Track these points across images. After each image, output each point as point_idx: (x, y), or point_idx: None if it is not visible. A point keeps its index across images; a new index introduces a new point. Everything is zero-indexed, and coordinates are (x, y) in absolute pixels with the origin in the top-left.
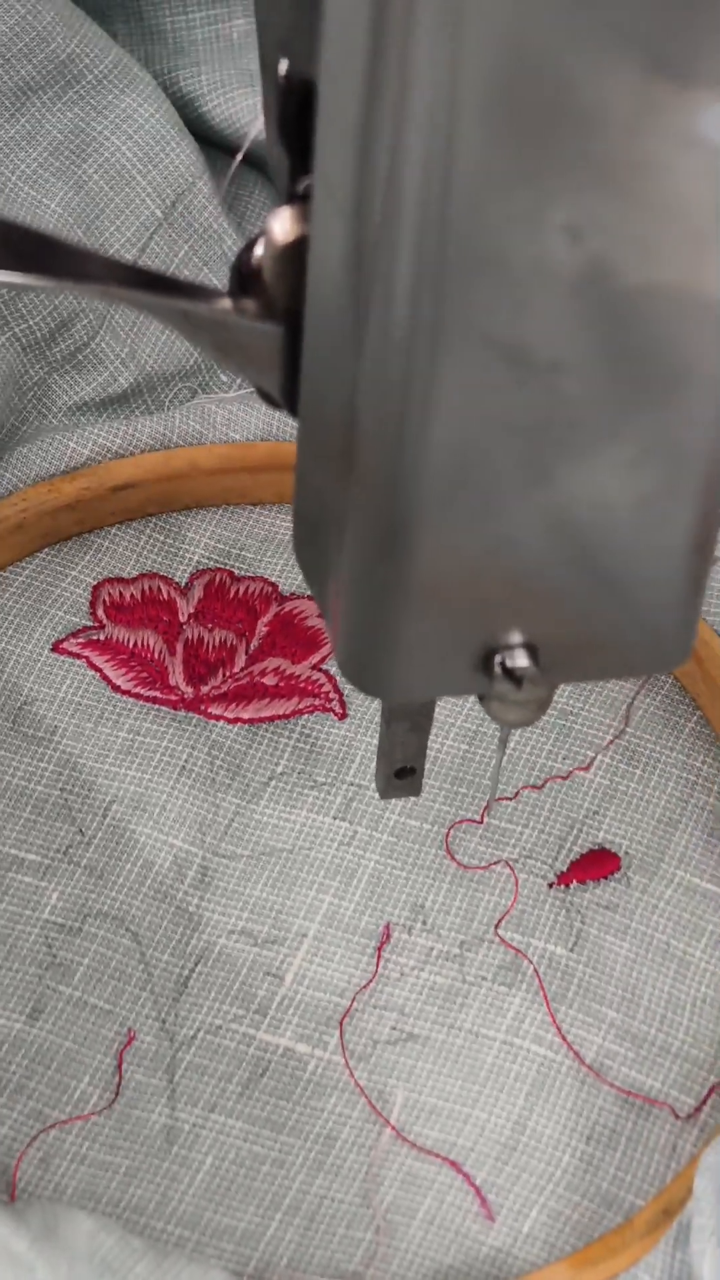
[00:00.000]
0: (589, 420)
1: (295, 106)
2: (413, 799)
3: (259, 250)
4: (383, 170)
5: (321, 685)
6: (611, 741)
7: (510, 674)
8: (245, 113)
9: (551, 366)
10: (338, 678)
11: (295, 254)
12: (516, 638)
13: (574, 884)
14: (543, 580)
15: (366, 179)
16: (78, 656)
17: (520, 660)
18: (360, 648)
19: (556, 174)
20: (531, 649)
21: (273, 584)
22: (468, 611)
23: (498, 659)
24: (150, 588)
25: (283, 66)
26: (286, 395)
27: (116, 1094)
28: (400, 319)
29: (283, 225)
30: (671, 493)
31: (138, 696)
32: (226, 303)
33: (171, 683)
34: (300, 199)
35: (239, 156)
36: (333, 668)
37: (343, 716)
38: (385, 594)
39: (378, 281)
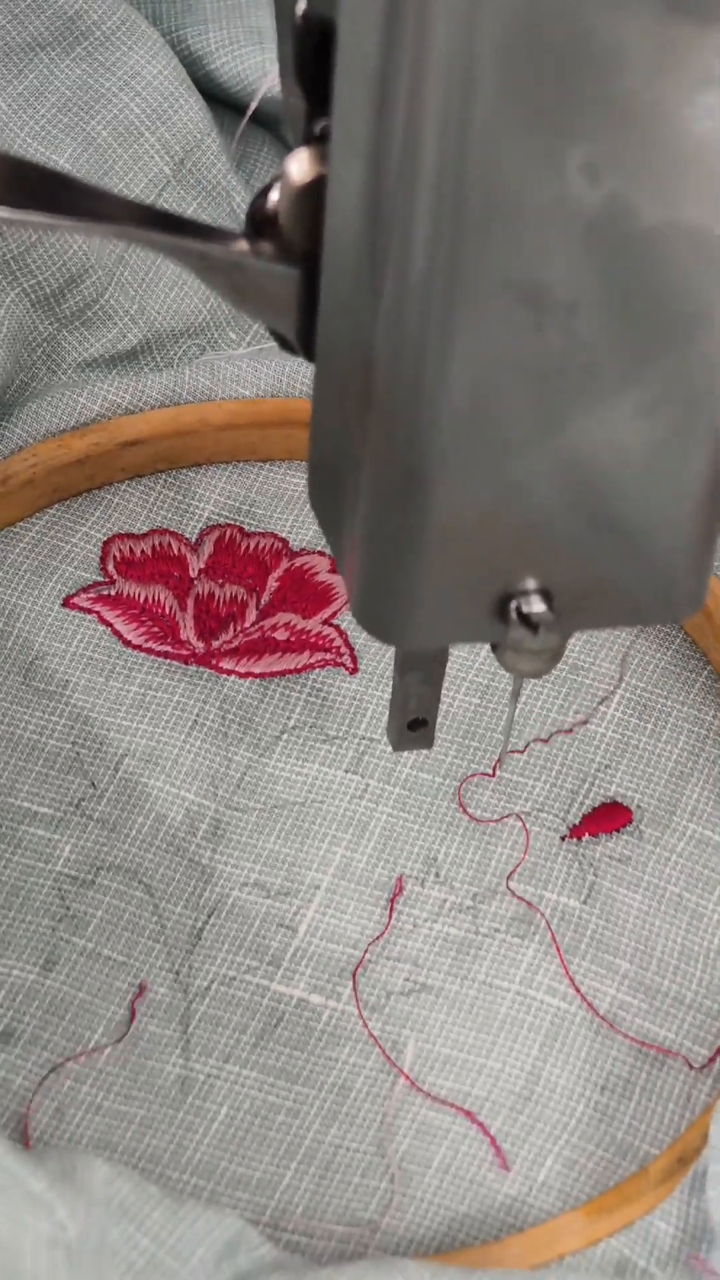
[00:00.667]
0: (605, 364)
1: (313, 47)
2: (424, 752)
3: (275, 193)
4: (401, 111)
5: (333, 640)
6: (612, 691)
7: (526, 620)
8: (253, 70)
9: (569, 308)
10: (349, 632)
11: (312, 195)
12: (532, 583)
13: (586, 837)
14: (557, 526)
15: (385, 120)
16: (88, 611)
17: (536, 606)
18: (376, 595)
19: (575, 114)
20: (547, 595)
21: (283, 539)
22: (483, 557)
23: (513, 605)
24: (161, 543)
25: (300, 5)
26: (303, 339)
27: (125, 1038)
28: (418, 261)
29: (300, 166)
30: (686, 438)
31: (149, 651)
32: (243, 244)
33: (183, 637)
34: (318, 140)
35: (249, 112)
36: (344, 622)
37: (354, 671)
38: (401, 540)
39: (396, 223)
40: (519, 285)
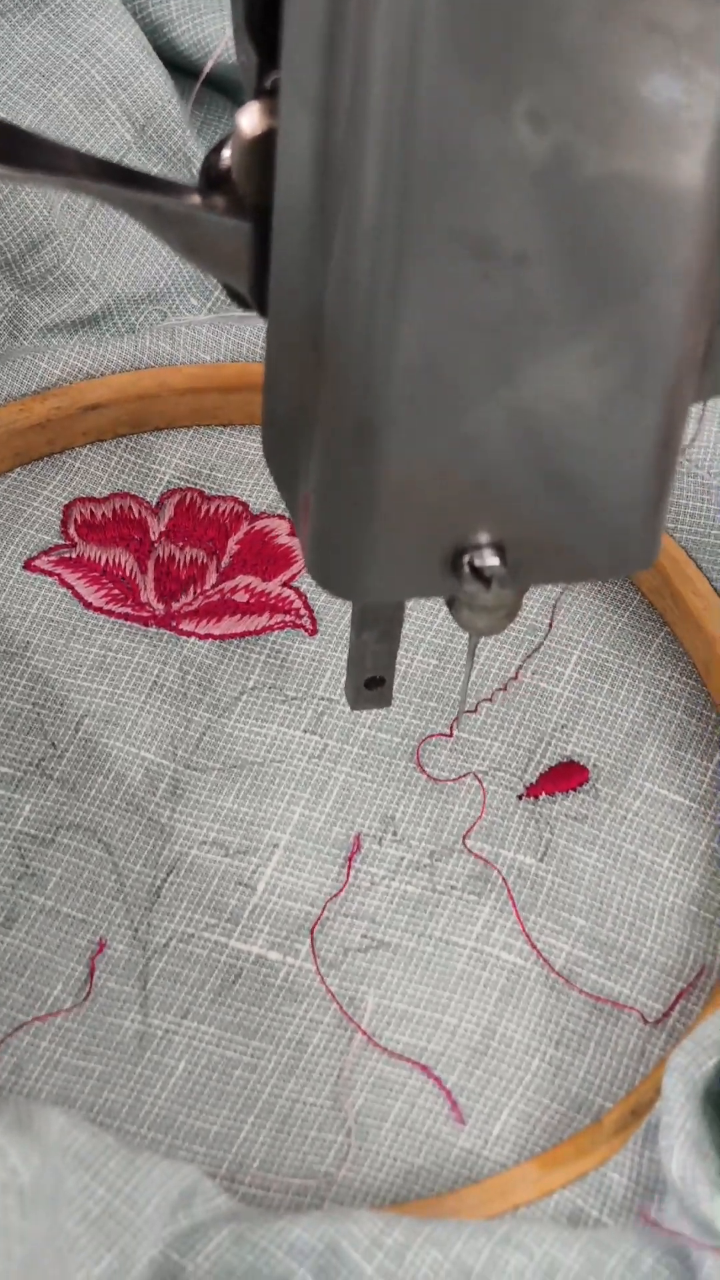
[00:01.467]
0: (554, 314)
1: (263, 1)
2: (382, 713)
3: (228, 149)
4: (349, 61)
5: (292, 602)
6: (541, 642)
7: (479, 574)
8: (214, 37)
9: (517, 259)
10: (309, 594)
11: (263, 148)
12: (484, 538)
13: (543, 796)
14: (509, 479)
15: (333, 71)
16: (49, 574)
17: (488, 560)
18: (330, 549)
19: (520, 61)
20: (499, 549)
21: (243, 503)
22: (436, 511)
23: (466, 559)
24: (122, 507)
25: None
26: (255, 294)
27: (87, 998)
28: (367, 212)
29: (250, 119)
30: (636, 390)
31: (109, 613)
32: (196, 198)
33: (143, 600)
34: (269, 94)
35: (204, 73)
36: (303, 584)
37: (313, 632)
38: (355, 494)
39: (345, 174)
40: (467, 236)
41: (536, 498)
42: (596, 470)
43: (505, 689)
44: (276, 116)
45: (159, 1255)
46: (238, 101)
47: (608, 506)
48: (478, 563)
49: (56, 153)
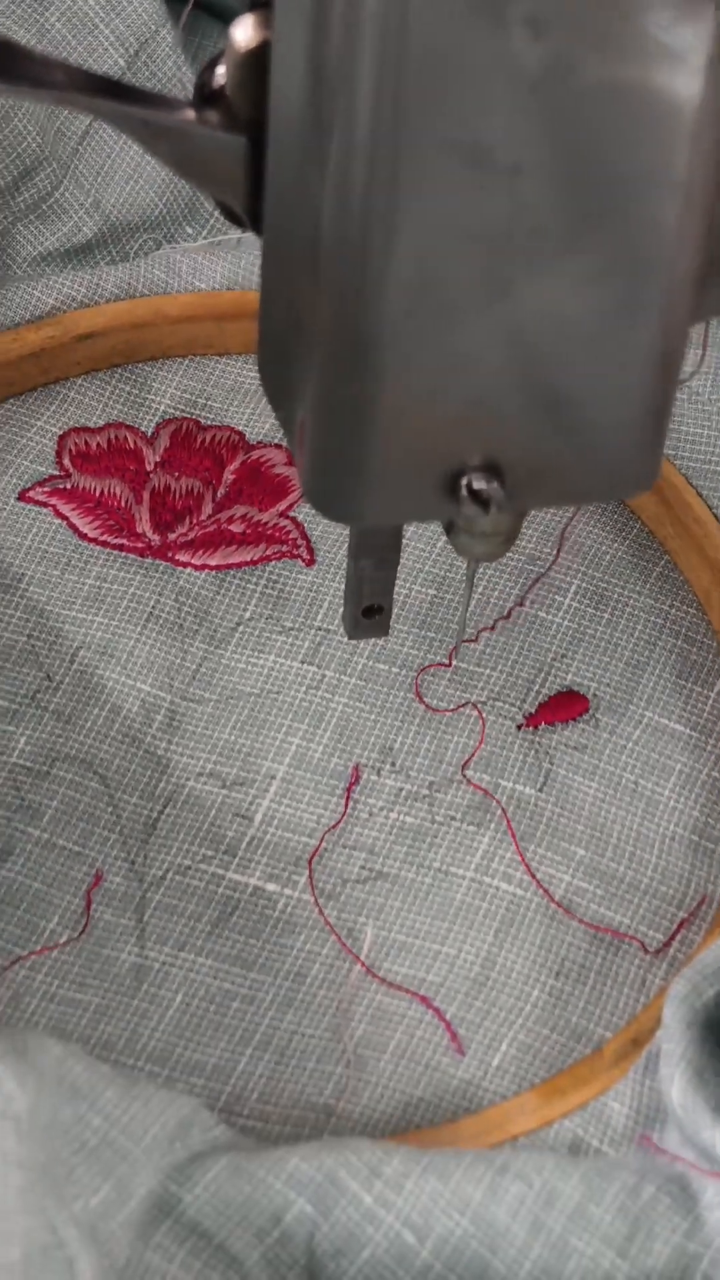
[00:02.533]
0: (550, 228)
1: None
2: (381, 643)
3: (222, 65)
4: None
5: (289, 532)
6: (546, 571)
7: (476, 496)
8: None
9: (513, 169)
10: (305, 524)
11: (257, 61)
12: (481, 459)
13: (542, 725)
14: (505, 399)
15: None
16: (44, 505)
17: (486, 483)
18: (327, 473)
19: None
20: (497, 471)
21: (240, 433)
22: (433, 432)
23: (464, 481)
24: (116, 437)
25: None
26: (250, 211)
27: (84, 930)
28: (362, 123)
29: (245, 32)
30: (633, 308)
31: (104, 544)
32: (190, 114)
33: (138, 530)
34: (263, 6)
35: None
36: (301, 514)
37: (310, 563)
38: (352, 415)
39: (339, 85)
40: (463, 147)
41: (533, 418)
42: (593, 389)
43: (508, 616)
44: (271, 29)
45: (157, 1186)
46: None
47: (605, 426)
48: (475, 485)
49: (47, 66)
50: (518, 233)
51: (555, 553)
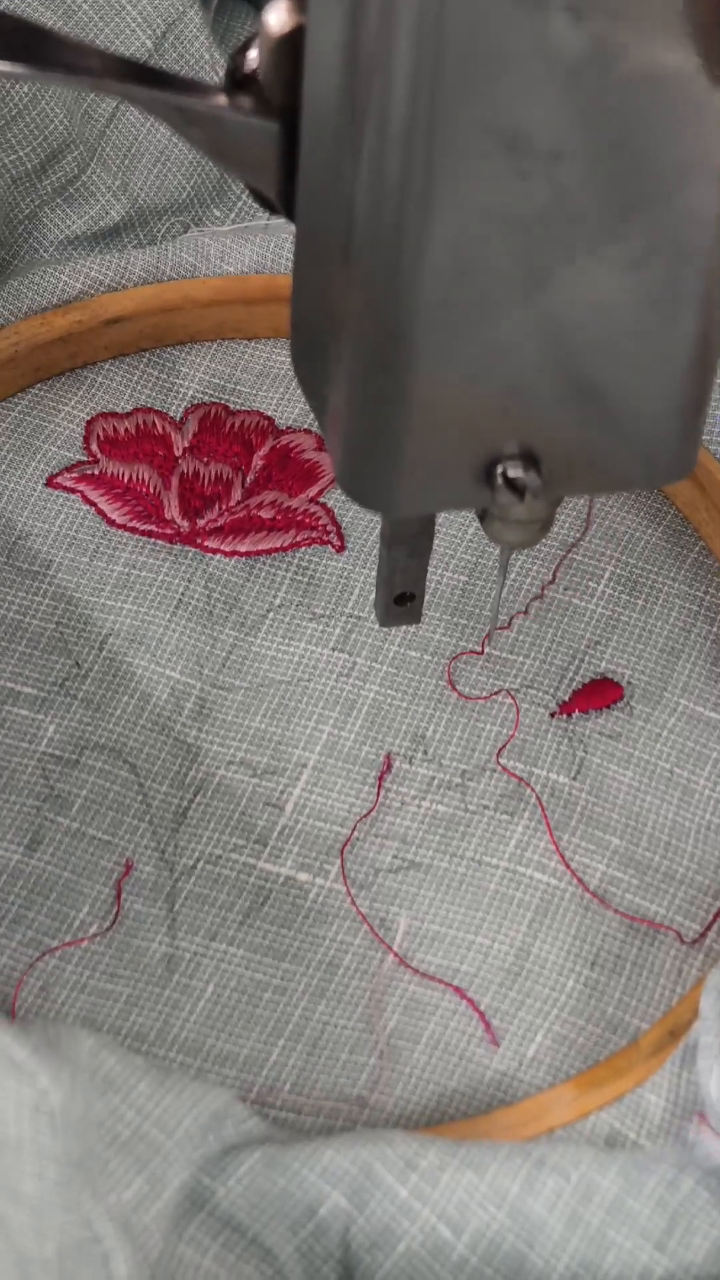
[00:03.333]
0: (589, 216)
1: None
2: (413, 630)
3: (254, 49)
4: None
5: (319, 518)
6: (577, 544)
7: (512, 484)
8: None
9: (552, 156)
10: (335, 510)
11: (291, 47)
12: (517, 448)
13: (576, 713)
14: (542, 387)
15: None
16: (72, 491)
17: (522, 471)
18: (361, 462)
19: None
20: (532, 460)
21: (269, 417)
22: (468, 420)
23: (499, 469)
24: (145, 422)
25: None
26: (283, 197)
27: (114, 921)
28: (398, 109)
29: (278, 16)
30: (673, 297)
31: (133, 530)
32: (222, 99)
33: (167, 516)
34: None
35: None
36: (331, 500)
37: (341, 549)
38: (386, 403)
39: (375, 70)
40: (501, 133)
41: (570, 407)
42: (631, 378)
43: (542, 595)
44: (304, 13)
45: (190, 1179)
46: (259, 8)
47: (642, 415)
48: (511, 474)
49: (80, 52)
50: (556, 221)
51: (585, 525)
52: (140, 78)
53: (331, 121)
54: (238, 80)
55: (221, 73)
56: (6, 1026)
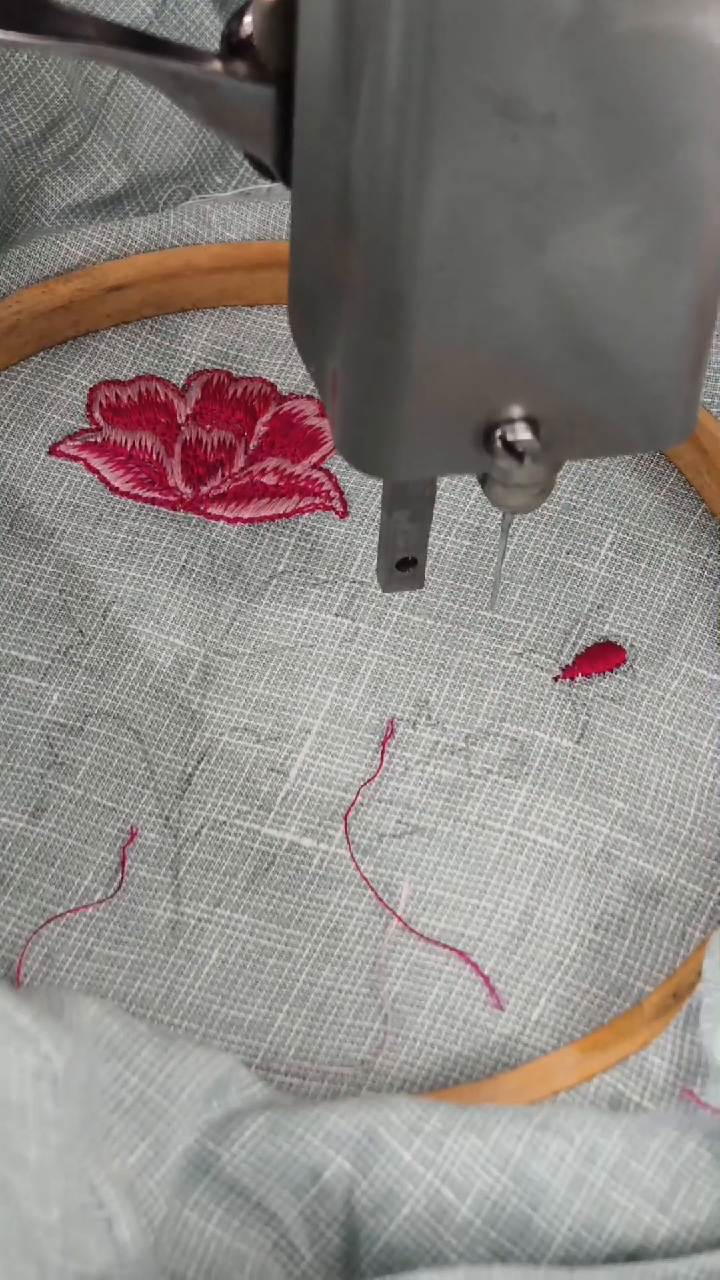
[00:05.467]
0: (586, 178)
1: None
2: (415, 595)
3: (249, 14)
4: None
5: (322, 484)
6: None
7: (511, 448)
8: None
9: (547, 119)
10: (339, 476)
11: (285, 11)
12: (516, 411)
13: (579, 677)
14: (541, 350)
15: None
16: (75, 459)
17: (521, 434)
18: (360, 426)
19: None
20: (532, 423)
21: (271, 384)
22: (467, 384)
23: (498, 433)
24: (147, 389)
25: None
26: (279, 163)
27: (119, 888)
28: (393, 73)
29: None
30: (670, 258)
31: (136, 498)
32: (218, 65)
33: (170, 483)
34: None
35: None
36: (333, 466)
37: (344, 515)
38: (384, 368)
39: (369, 34)
40: (495, 95)
41: (568, 369)
42: (629, 340)
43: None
44: None
45: (194, 1144)
46: None
47: (641, 377)
48: (510, 437)
49: (74, 19)
50: (552, 183)
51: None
52: (136, 44)
53: (326, 86)
54: (233, 46)
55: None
56: (9, 993)
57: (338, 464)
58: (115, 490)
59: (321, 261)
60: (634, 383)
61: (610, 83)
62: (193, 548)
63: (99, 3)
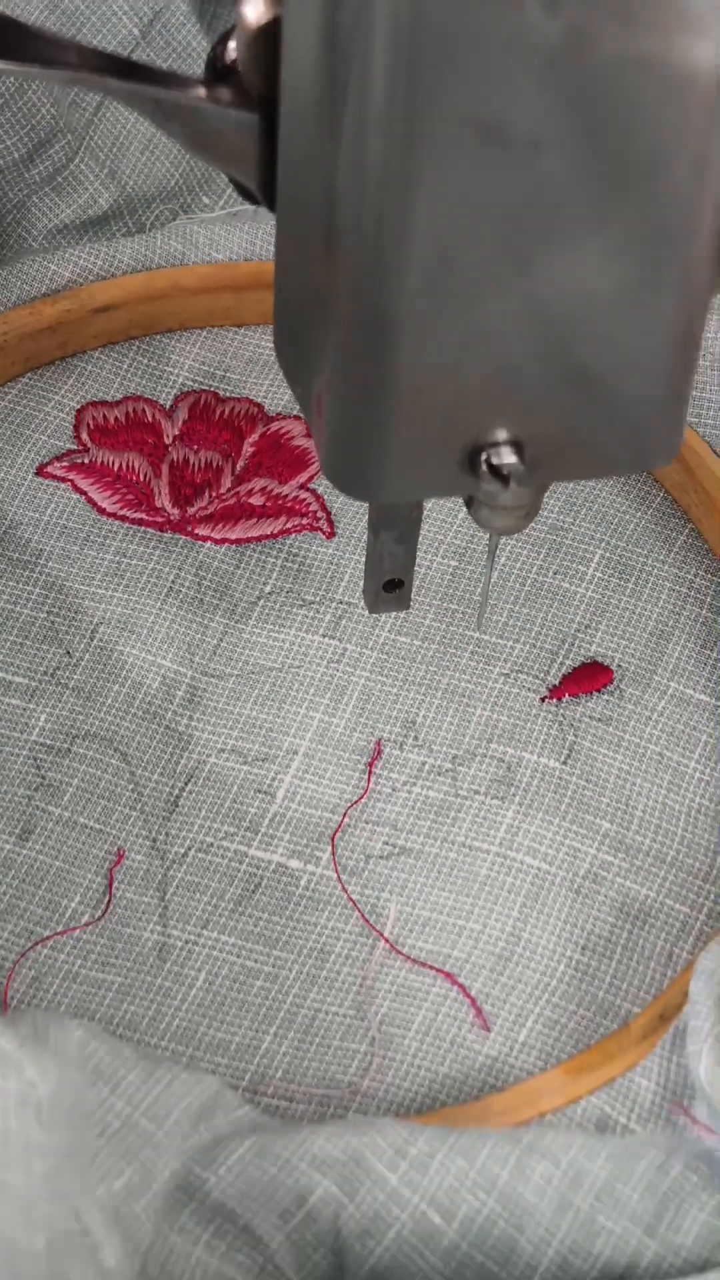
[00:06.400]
0: (570, 203)
1: None
2: (402, 616)
3: (233, 41)
4: None
5: (309, 504)
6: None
7: (496, 472)
8: None
9: (531, 145)
10: (325, 496)
11: (269, 37)
12: (502, 435)
13: (566, 697)
14: (525, 374)
15: None
16: (62, 480)
17: (506, 458)
18: (345, 449)
19: None
20: (517, 446)
21: (258, 405)
22: (452, 407)
23: (483, 457)
24: (135, 410)
25: None
26: (264, 187)
27: (106, 910)
28: (377, 99)
29: (255, 8)
30: (656, 282)
31: (123, 519)
32: (201, 91)
33: (157, 504)
34: None
35: None
36: (320, 486)
37: (331, 535)
38: (370, 391)
39: (353, 60)
40: (480, 122)
41: (554, 392)
42: (615, 363)
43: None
44: (281, 4)
45: (180, 1168)
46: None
47: (627, 400)
48: (495, 460)
49: (57, 47)
50: (537, 208)
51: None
52: (118, 71)
53: (310, 111)
54: (218, 71)
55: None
56: None
57: (325, 485)
58: (102, 511)
59: (305, 284)
60: (619, 405)
61: (594, 109)
62: (180, 569)
63: (85, 25)
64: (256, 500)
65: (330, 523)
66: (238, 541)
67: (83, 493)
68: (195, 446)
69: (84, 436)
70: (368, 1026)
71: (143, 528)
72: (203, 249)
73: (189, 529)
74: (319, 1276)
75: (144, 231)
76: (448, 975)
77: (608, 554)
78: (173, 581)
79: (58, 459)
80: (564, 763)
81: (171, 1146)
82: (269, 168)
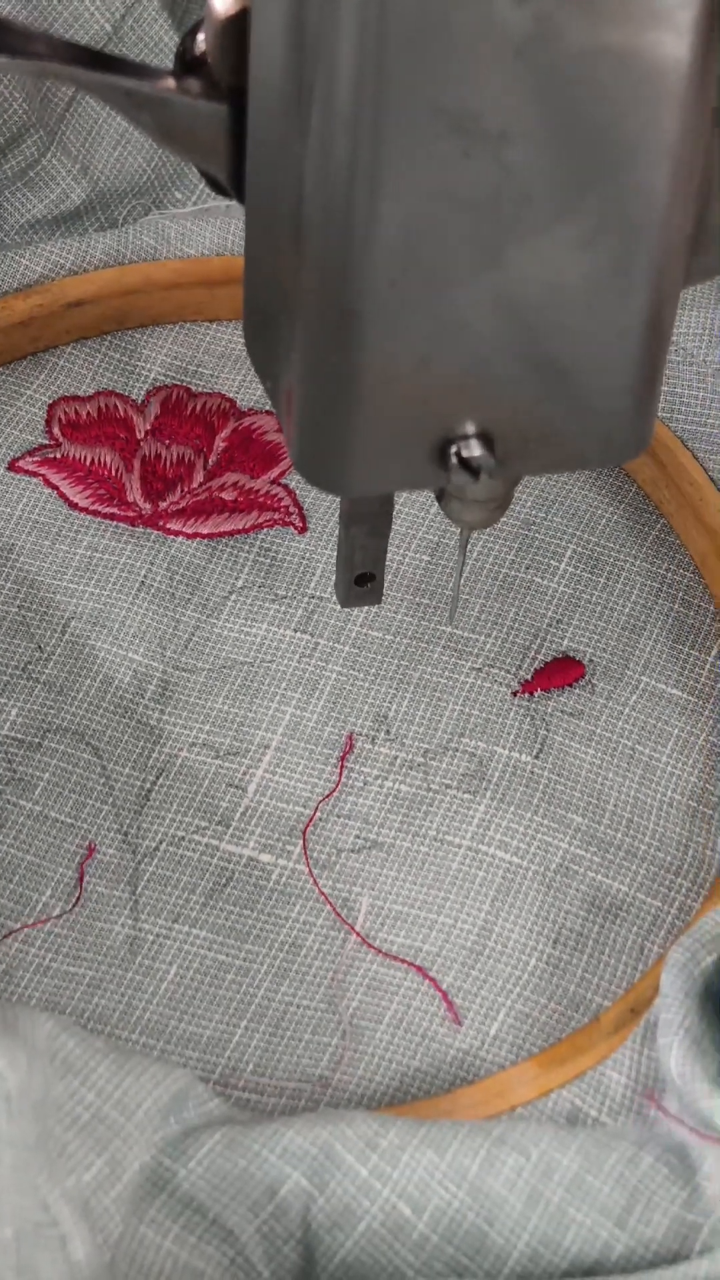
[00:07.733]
0: (538, 194)
1: None
2: (374, 610)
3: (202, 33)
4: None
5: (281, 499)
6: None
7: (466, 464)
8: None
9: (499, 136)
10: (298, 491)
11: (237, 28)
12: (471, 427)
13: (538, 692)
14: (494, 366)
15: None
16: (34, 475)
17: (476, 451)
18: (315, 443)
19: None
20: (487, 439)
21: (230, 399)
22: (422, 400)
23: (453, 449)
24: (106, 405)
25: None
26: (233, 179)
27: (77, 903)
28: (344, 88)
29: None
30: (625, 273)
31: (95, 513)
32: (171, 83)
33: (129, 499)
34: None
35: None
36: (292, 481)
37: (303, 530)
38: (338, 384)
39: (321, 50)
40: (448, 112)
41: (523, 385)
42: (584, 355)
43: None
44: None
45: (150, 1160)
46: None
47: (596, 392)
48: (465, 453)
49: (26, 37)
50: (506, 199)
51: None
52: (88, 62)
53: (278, 102)
54: (187, 63)
55: None
56: None
57: (297, 480)
58: (74, 506)
59: (275, 278)
60: (589, 398)
61: (562, 100)
62: (152, 563)
63: (57, 19)
64: (228, 495)
65: (302, 518)
66: (210, 536)
67: (54, 487)
68: (167, 441)
69: (56, 431)
70: (339, 1020)
71: (114, 522)
72: (175, 244)
73: (161, 524)
74: (289, 1269)
75: (116, 227)
76: (419, 969)
77: (580, 549)
78: (144, 576)
79: (29, 454)
80: (536, 757)
81: (142, 1139)
82: (238, 159)
